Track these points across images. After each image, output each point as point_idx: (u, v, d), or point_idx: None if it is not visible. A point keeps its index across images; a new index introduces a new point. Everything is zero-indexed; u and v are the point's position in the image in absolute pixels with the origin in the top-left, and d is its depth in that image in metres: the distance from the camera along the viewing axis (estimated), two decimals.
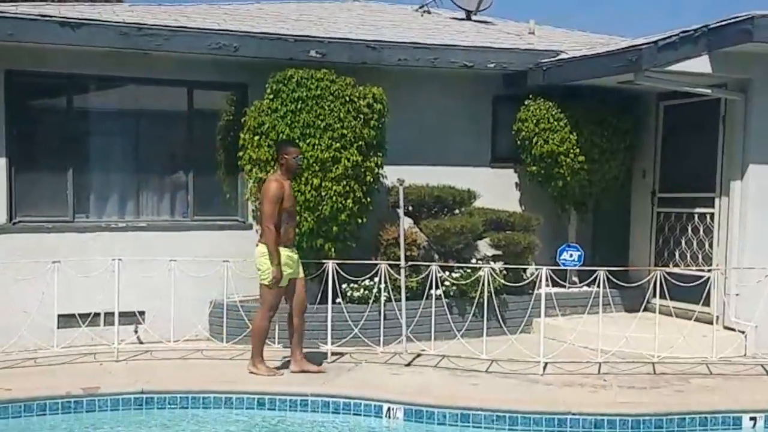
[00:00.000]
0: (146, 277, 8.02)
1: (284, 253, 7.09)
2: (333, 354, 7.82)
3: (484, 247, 9.40)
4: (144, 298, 8.23)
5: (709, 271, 8.55)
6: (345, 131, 8.30)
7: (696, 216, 9.08)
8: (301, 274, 7.38)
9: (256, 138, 8.43)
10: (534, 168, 9.56)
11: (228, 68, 8.82)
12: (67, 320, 8.01)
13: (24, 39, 7.79)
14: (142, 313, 8.39)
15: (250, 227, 9.03)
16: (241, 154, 8.59)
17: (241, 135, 8.59)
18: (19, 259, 7.97)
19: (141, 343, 8.40)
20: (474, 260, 9.11)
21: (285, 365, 7.43)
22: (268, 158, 8.31)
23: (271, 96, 8.41)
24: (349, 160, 8.29)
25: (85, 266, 7.93)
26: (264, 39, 8.57)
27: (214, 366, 7.53)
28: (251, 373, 7.13)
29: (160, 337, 8.20)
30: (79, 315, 8.02)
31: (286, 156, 7.20)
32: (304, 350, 7.39)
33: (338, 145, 8.27)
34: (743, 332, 8.18)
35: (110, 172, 8.81)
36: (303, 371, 7.21)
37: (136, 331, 8.46)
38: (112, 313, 7.76)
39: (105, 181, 8.79)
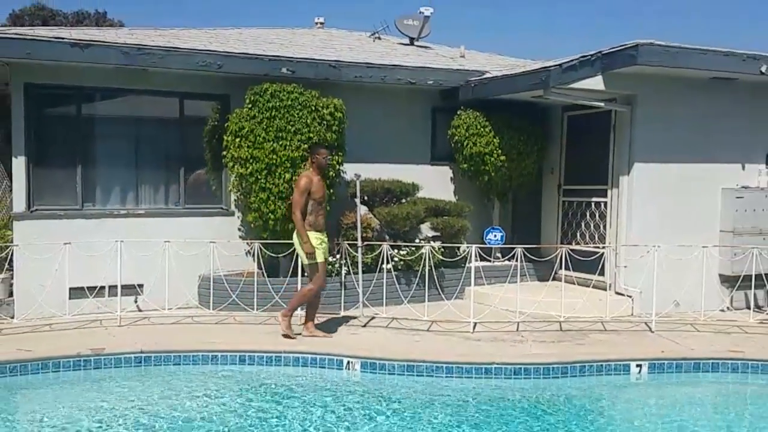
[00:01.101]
0: (144, 255, 7.85)
1: (316, 236, 6.90)
2: (303, 318, 7.63)
3: (426, 229, 9.36)
4: (142, 273, 8.05)
5: (603, 247, 8.64)
6: (311, 135, 8.19)
7: (593, 204, 9.15)
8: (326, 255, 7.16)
9: (237, 140, 8.26)
10: (465, 165, 9.53)
11: (213, 82, 8.63)
12: (77, 292, 7.79)
13: (40, 57, 7.59)
14: (140, 285, 8.22)
15: (233, 214, 8.91)
16: (224, 153, 8.45)
17: (225, 137, 8.43)
18: (36, 241, 7.78)
19: (140, 311, 8.19)
20: (417, 240, 9.08)
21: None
22: (248, 156, 8.16)
23: (250, 105, 8.27)
24: None
25: (92, 247, 7.77)
26: (244, 58, 8.44)
27: (202, 329, 7.34)
28: (305, 336, 6.94)
29: (156, 306, 8.06)
30: (87, 288, 7.82)
31: (317, 156, 7.00)
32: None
33: (306, 146, 8.13)
34: (630, 297, 8.29)
35: (113, 168, 8.55)
36: (313, 336, 6.97)
37: (135, 301, 8.25)
38: (115, 286, 7.60)
39: (109, 176, 8.54)
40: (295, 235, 6.99)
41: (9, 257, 7.96)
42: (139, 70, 8.06)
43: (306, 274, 7.25)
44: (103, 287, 7.86)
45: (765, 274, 8.10)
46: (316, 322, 7.19)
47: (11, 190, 8.35)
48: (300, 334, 7.01)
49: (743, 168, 8.77)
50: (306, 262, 6.96)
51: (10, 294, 8.14)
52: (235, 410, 5.59)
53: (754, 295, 8.35)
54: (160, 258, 7.80)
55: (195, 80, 8.52)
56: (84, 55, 7.66)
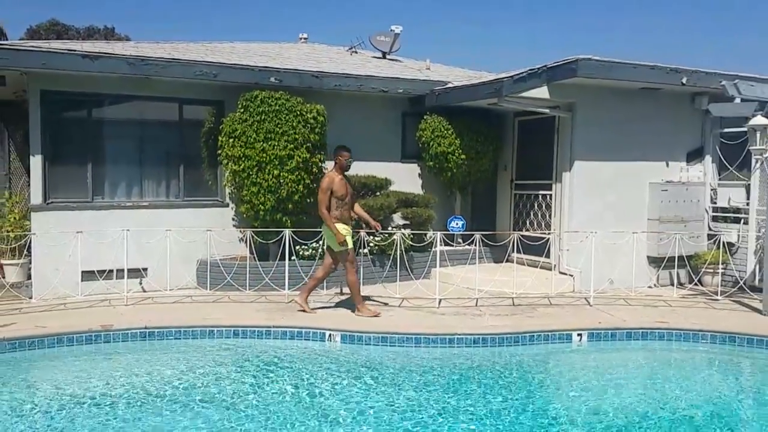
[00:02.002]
0: (148, 242, 7.72)
1: (343, 227, 6.71)
2: (290, 296, 7.53)
3: (397, 218, 9.28)
4: (146, 258, 7.91)
5: (549, 234, 8.64)
6: (297, 136, 8.04)
7: (540, 196, 9.15)
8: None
9: (231, 140, 8.09)
10: (431, 163, 9.45)
11: (209, 89, 8.44)
12: (88, 275, 7.62)
13: (55, 67, 7.39)
14: (145, 269, 8.04)
15: (227, 205, 8.73)
16: (219, 152, 8.27)
17: (220, 138, 8.24)
18: (51, 230, 7.58)
19: (144, 291, 8.00)
20: (390, 228, 8.97)
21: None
22: (240, 155, 8.00)
23: (242, 110, 8.09)
24: (300, 156, 8.05)
25: (101, 235, 7.59)
26: (237, 68, 8.26)
27: (200, 307, 7.18)
28: (358, 315, 6.74)
29: (159, 287, 7.89)
30: (97, 271, 7.64)
31: (340, 157, 6.78)
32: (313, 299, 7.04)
33: (292, 146, 8.00)
34: (572, 276, 8.31)
35: (120, 165, 8.33)
36: (362, 315, 6.77)
37: (140, 283, 8.06)
38: (122, 270, 7.43)
39: (116, 172, 8.32)
40: (324, 227, 6.79)
41: (27, 244, 7.72)
42: (143, 78, 7.87)
43: (323, 260, 7.00)
44: (111, 270, 7.65)
45: (685, 256, 8.21)
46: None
47: (29, 185, 8.09)
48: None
49: (667, 165, 8.83)
50: (337, 249, 6.77)
51: (29, 277, 7.94)
52: (231, 377, 5.48)
53: (677, 273, 8.45)
54: (162, 244, 7.66)
55: (193, 88, 8.34)
56: (94, 66, 7.49)
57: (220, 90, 8.44)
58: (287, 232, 7.62)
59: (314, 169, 8.25)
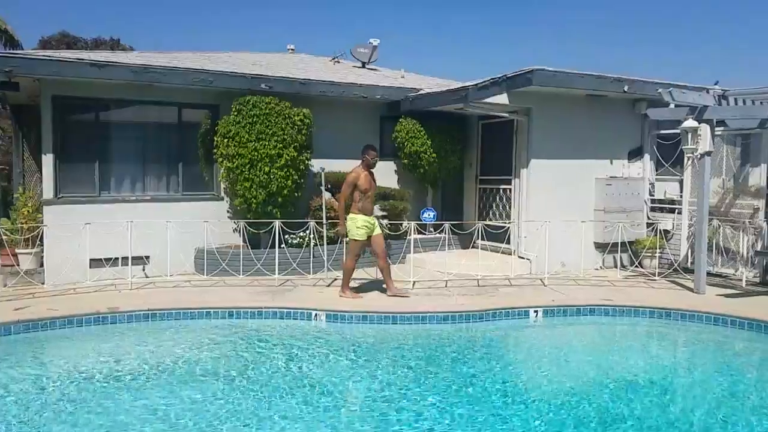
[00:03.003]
0: (150, 233, 7.51)
1: (364, 218, 6.54)
2: (279, 280, 7.45)
3: (376, 210, 9.10)
4: (149, 247, 7.72)
5: (509, 223, 8.66)
6: (285, 136, 7.90)
7: (501, 190, 9.15)
8: (378, 231, 6.72)
9: (225, 140, 7.91)
10: (406, 161, 9.38)
11: (206, 94, 8.25)
12: (96, 263, 7.43)
13: (64, 75, 7.20)
14: (147, 257, 7.85)
15: (222, 199, 8.54)
16: (215, 151, 8.10)
17: (215, 138, 8.07)
18: (62, 222, 7.36)
19: (147, 277, 7.81)
20: None
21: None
22: (234, 153, 7.84)
23: (235, 113, 7.92)
24: (288, 155, 7.91)
25: (107, 226, 7.38)
26: (231, 76, 8.09)
27: (198, 291, 7.03)
28: (341, 297, 6.58)
29: (160, 273, 7.75)
30: (104, 259, 7.46)
31: (367, 156, 6.58)
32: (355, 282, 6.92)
33: (281, 145, 7.86)
34: (529, 260, 8.32)
35: (124, 163, 8.12)
36: (395, 296, 6.62)
37: (143, 270, 7.87)
38: (127, 258, 7.24)
39: (121, 169, 8.10)
40: (349, 220, 6.60)
41: (40, 235, 7.50)
42: (146, 84, 7.69)
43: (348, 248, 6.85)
44: (117, 258, 7.47)
45: (627, 242, 8.29)
46: (352, 286, 6.88)
47: (41, 182, 7.85)
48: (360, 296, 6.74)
49: (611, 163, 8.89)
50: (349, 238, 6.63)
51: (41, 265, 7.69)
52: (226, 353, 5.38)
53: (620, 257, 8.54)
54: (163, 235, 7.49)
55: (191, 93, 8.15)
56: (100, 73, 7.32)
57: (215, 95, 8.26)
58: (277, 222, 7.50)
59: (301, 167, 8.12)
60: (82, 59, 7.36)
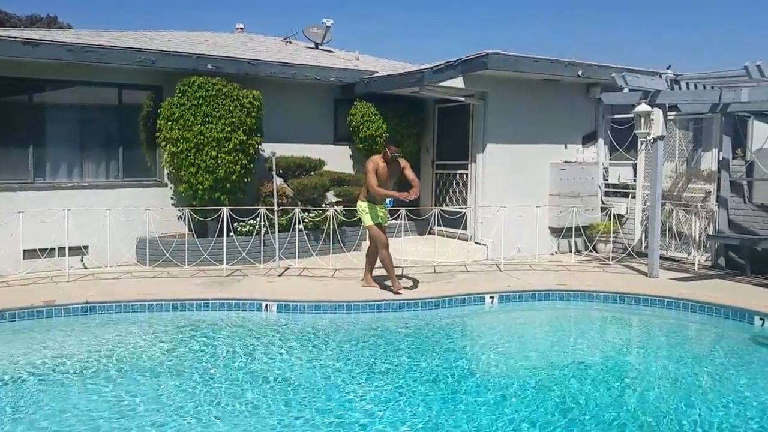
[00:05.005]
0: (89, 221, 7.11)
1: (370, 205, 6.33)
2: (228, 270, 7.17)
3: (330, 196, 8.96)
4: (87, 236, 7.30)
5: (466, 208, 8.62)
6: (234, 119, 7.59)
7: (458, 175, 9.09)
8: (385, 223, 6.56)
9: (169, 123, 7.55)
10: (361, 145, 9.18)
11: (148, 75, 7.84)
12: (30, 254, 6.99)
13: None
14: (86, 247, 7.40)
15: (165, 185, 8.18)
16: (158, 134, 7.72)
17: (158, 121, 7.69)
18: None
19: (86, 268, 7.39)
20: (324, 205, 8.67)
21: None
22: (178, 137, 7.50)
23: (180, 94, 7.57)
24: (237, 139, 7.61)
25: (42, 215, 6.95)
26: (174, 55, 7.70)
27: (140, 283, 6.70)
28: (363, 286, 6.46)
29: (99, 264, 7.32)
30: (39, 250, 7.03)
31: (387, 150, 6.31)
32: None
33: (229, 128, 7.55)
34: (485, 245, 8.31)
35: (61, 147, 7.66)
36: (396, 292, 6.26)
37: (81, 260, 7.44)
38: (64, 248, 6.83)
39: (57, 154, 7.64)
40: (360, 208, 6.39)
41: None
42: (83, 64, 7.26)
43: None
44: (53, 249, 7.04)
45: (582, 227, 8.38)
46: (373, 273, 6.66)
47: None
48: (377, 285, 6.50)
49: (566, 147, 8.93)
50: (367, 224, 6.38)
51: None
52: (170, 347, 5.14)
53: (575, 242, 8.62)
54: (103, 223, 7.09)
55: (132, 74, 7.74)
56: (35, 52, 6.87)
57: (158, 76, 7.87)
58: (225, 209, 7.22)
59: (251, 151, 7.83)
60: (15, 37, 6.90)
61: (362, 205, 6.41)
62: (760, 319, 5.58)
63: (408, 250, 7.83)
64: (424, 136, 9.65)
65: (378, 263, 6.54)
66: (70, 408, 3.84)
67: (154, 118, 7.84)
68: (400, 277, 6.72)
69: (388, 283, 6.41)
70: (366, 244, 7.96)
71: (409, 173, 6.38)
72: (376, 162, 6.43)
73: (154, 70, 7.70)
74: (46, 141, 7.55)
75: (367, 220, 6.41)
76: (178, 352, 4.99)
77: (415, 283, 6.69)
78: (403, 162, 6.42)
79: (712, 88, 7.19)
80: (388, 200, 8.61)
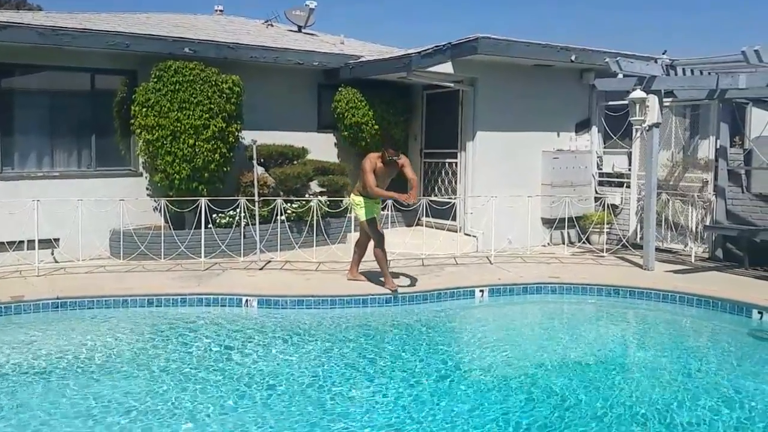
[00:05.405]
0: (59, 212, 6.81)
1: (364, 199, 6.05)
2: (206, 264, 6.89)
3: (314, 186, 8.68)
4: (58, 228, 7.00)
5: (455, 198, 8.40)
6: (212, 106, 7.30)
7: (447, 164, 8.84)
8: (381, 219, 6.34)
9: (144, 110, 7.25)
10: (346, 133, 8.90)
11: (122, 59, 7.52)
12: None
13: None
14: (56, 239, 7.12)
15: (141, 175, 7.88)
16: (132, 121, 7.39)
17: (133, 107, 7.37)
18: None
19: (57, 262, 7.10)
20: (307, 195, 8.39)
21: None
22: (154, 124, 7.19)
23: (155, 80, 7.26)
24: (216, 126, 7.32)
25: (11, 206, 6.67)
26: (149, 39, 7.40)
27: (114, 277, 6.42)
28: (389, 288, 6.01)
29: (71, 257, 7.01)
30: (7, 242, 6.73)
31: (386, 152, 5.99)
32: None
33: (207, 115, 7.25)
34: (475, 237, 8.09)
35: (30, 135, 7.34)
36: (393, 291, 5.98)
37: (52, 254, 7.14)
38: (33, 241, 6.53)
39: (26, 143, 7.32)
40: (354, 203, 6.11)
41: None
42: (54, 48, 6.93)
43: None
44: (22, 242, 6.73)
45: (575, 217, 8.19)
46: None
47: None
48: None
49: (558, 135, 8.73)
50: (363, 219, 6.11)
51: None
52: (145, 344, 4.91)
53: (568, 233, 8.45)
54: (74, 215, 6.78)
55: (105, 58, 7.42)
56: (2, 35, 6.60)
57: (133, 60, 7.53)
58: (203, 200, 6.93)
59: (230, 139, 7.54)
60: None
61: (357, 200, 6.13)
62: (759, 312, 5.43)
63: (395, 242, 7.58)
64: (411, 124, 9.38)
65: (367, 257, 6.29)
66: (35, 407, 3.65)
67: (128, 105, 7.52)
68: (395, 276, 6.44)
69: (381, 279, 6.16)
70: (353, 236, 7.71)
71: (409, 171, 6.03)
72: (374, 161, 6.13)
73: (129, 54, 7.38)
74: (15, 128, 7.24)
75: (362, 215, 6.16)
76: (152, 350, 4.75)
77: (403, 276, 6.46)
78: (402, 160, 6.11)
79: (709, 73, 6.99)
80: None
